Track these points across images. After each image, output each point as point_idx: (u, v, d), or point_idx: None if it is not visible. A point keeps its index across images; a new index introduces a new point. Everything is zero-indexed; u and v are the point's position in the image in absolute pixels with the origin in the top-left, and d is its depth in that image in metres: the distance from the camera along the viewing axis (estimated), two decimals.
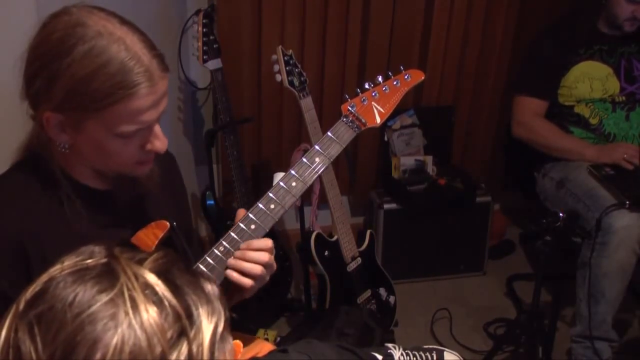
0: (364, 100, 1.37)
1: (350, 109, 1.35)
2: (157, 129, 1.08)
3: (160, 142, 1.09)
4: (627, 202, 2.08)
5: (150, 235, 1.17)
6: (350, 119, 1.34)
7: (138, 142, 1.07)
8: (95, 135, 1.03)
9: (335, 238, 2.19)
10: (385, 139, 2.71)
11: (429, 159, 2.73)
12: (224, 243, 1.19)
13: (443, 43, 2.72)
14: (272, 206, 1.21)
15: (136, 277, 0.62)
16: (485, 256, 2.84)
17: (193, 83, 2.64)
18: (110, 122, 1.01)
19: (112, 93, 0.98)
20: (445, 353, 1.25)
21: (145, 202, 1.23)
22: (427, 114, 2.77)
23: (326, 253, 2.17)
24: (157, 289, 0.62)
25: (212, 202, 2.26)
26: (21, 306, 0.61)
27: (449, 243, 2.76)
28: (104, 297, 0.60)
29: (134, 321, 0.59)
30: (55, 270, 0.63)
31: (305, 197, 2.28)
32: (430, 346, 1.26)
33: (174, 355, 0.60)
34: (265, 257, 1.18)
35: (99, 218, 1.14)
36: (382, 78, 1.41)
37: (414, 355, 1.23)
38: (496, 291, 2.76)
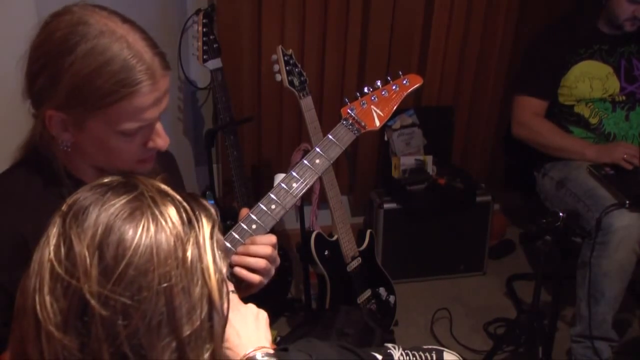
0: (363, 104, 1.38)
1: (350, 112, 1.36)
2: (159, 126, 1.09)
3: (162, 140, 1.10)
4: (627, 202, 2.09)
5: None
6: (350, 122, 1.35)
7: (140, 140, 1.07)
8: (97, 133, 1.04)
9: (335, 238, 2.19)
10: (385, 138, 2.72)
11: (429, 159, 2.73)
12: (225, 243, 1.19)
13: (443, 43, 2.72)
14: (273, 207, 1.23)
15: (152, 185, 0.78)
16: (485, 256, 2.84)
17: (193, 83, 2.64)
18: (113, 119, 1.01)
19: (115, 91, 0.98)
20: (445, 353, 1.25)
21: None
22: (427, 114, 2.77)
23: (326, 253, 2.17)
24: (170, 192, 0.78)
25: (212, 202, 2.26)
26: (64, 208, 0.76)
27: (449, 243, 2.76)
28: (130, 196, 0.75)
29: (156, 211, 0.74)
30: (83, 188, 0.78)
31: (306, 197, 2.28)
32: (430, 346, 1.26)
33: (186, 238, 0.74)
34: (267, 249, 1.19)
35: None
36: (381, 82, 1.43)
37: (414, 355, 1.23)
38: (496, 291, 2.77)
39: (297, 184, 1.25)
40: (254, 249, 1.19)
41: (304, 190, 1.26)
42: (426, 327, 2.53)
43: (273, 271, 1.24)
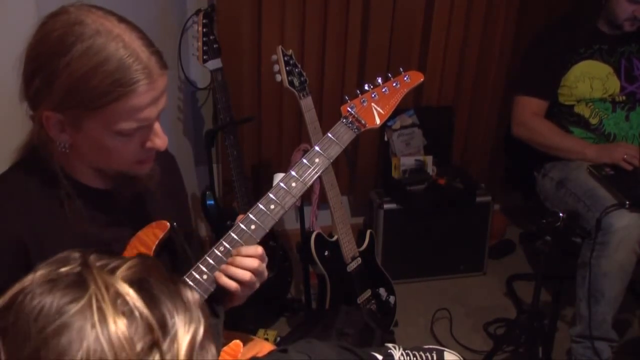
0: (363, 101, 1.37)
1: (349, 110, 1.35)
2: (157, 126, 1.08)
3: (160, 140, 1.09)
4: (627, 202, 2.08)
5: (151, 235, 1.18)
6: (350, 120, 1.34)
7: (138, 140, 1.07)
8: (95, 133, 1.03)
9: (335, 238, 2.19)
10: (385, 139, 2.71)
11: (429, 159, 2.73)
12: (224, 243, 1.19)
13: (443, 43, 2.72)
14: (272, 207, 1.21)
15: (107, 287, 0.60)
16: (485, 256, 2.83)
17: (193, 83, 2.64)
18: (110, 120, 1.01)
19: (111, 91, 0.98)
20: (445, 353, 1.25)
21: (146, 202, 1.23)
22: (427, 114, 2.77)
23: (326, 253, 2.17)
24: (128, 298, 0.60)
25: (212, 202, 2.26)
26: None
27: (449, 243, 2.76)
28: (72, 309, 0.58)
29: (100, 334, 0.57)
30: (26, 280, 0.62)
31: (306, 197, 2.28)
32: (430, 346, 1.26)
33: None
34: (254, 263, 1.17)
35: (99, 217, 1.14)
36: (382, 79, 1.42)
37: (414, 355, 1.23)
38: (496, 291, 2.76)
39: (296, 183, 1.24)
40: (240, 261, 1.17)
41: (303, 190, 1.25)
42: (426, 327, 2.53)
43: (257, 285, 1.21)
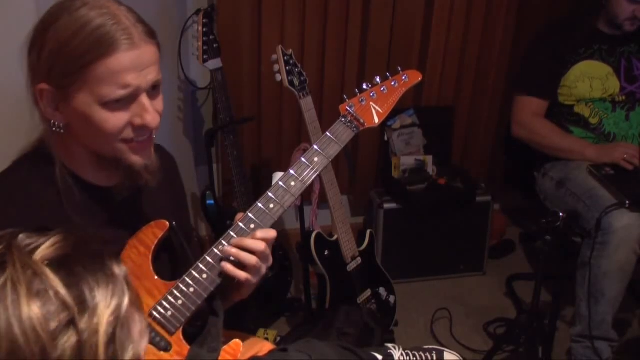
0: (362, 100, 1.37)
1: (348, 109, 1.35)
2: (147, 102, 1.04)
3: (150, 116, 1.04)
4: (627, 202, 2.08)
5: (150, 235, 1.18)
6: (349, 119, 1.34)
7: (125, 115, 1.04)
8: (82, 106, 1.02)
9: (335, 238, 2.19)
10: (385, 138, 2.72)
11: (429, 159, 2.73)
12: (224, 242, 1.19)
13: (443, 43, 2.72)
14: (272, 206, 1.22)
15: (24, 268, 0.61)
16: (485, 256, 2.84)
17: (193, 83, 2.64)
18: (93, 86, 0.99)
19: (91, 50, 0.98)
20: (445, 353, 1.25)
21: (145, 202, 1.23)
22: (427, 114, 2.77)
23: (326, 253, 2.17)
24: (44, 278, 0.61)
25: (212, 202, 2.26)
26: None
27: (449, 243, 2.76)
28: None
29: (12, 316, 0.58)
30: None
31: (306, 196, 2.28)
32: (430, 346, 1.26)
33: (58, 347, 0.59)
34: (260, 245, 1.16)
35: (99, 216, 1.14)
36: (380, 79, 1.42)
37: (414, 356, 1.23)
38: (496, 291, 2.76)
39: (295, 182, 1.24)
40: (247, 242, 1.16)
41: (302, 189, 1.25)
42: (426, 327, 2.53)
43: (264, 270, 1.21)
